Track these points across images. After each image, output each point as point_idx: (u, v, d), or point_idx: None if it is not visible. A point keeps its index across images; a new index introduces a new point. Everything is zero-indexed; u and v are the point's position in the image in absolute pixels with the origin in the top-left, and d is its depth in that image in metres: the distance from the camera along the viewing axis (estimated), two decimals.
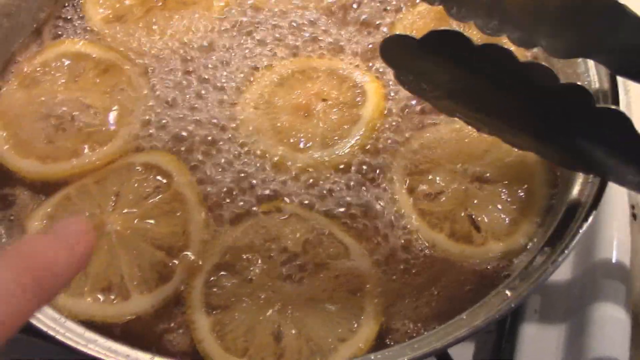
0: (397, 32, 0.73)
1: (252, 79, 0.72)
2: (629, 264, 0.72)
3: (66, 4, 0.79)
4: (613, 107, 0.51)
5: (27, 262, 0.37)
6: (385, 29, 0.76)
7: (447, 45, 0.50)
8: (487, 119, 0.57)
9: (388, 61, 0.54)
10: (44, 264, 0.38)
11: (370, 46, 0.74)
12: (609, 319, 0.67)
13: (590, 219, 0.56)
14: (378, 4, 0.78)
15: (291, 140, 0.68)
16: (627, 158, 0.53)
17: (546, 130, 0.54)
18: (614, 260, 0.71)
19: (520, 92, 0.51)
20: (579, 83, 0.49)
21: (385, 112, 0.70)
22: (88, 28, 0.77)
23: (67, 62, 0.74)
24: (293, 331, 0.58)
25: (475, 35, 0.60)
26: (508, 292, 0.54)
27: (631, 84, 0.66)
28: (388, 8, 0.78)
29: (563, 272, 0.73)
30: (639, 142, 0.51)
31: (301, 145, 0.67)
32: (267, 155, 0.67)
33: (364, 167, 0.67)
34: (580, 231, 0.56)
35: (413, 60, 0.52)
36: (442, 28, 0.49)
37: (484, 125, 0.58)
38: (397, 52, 0.52)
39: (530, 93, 0.51)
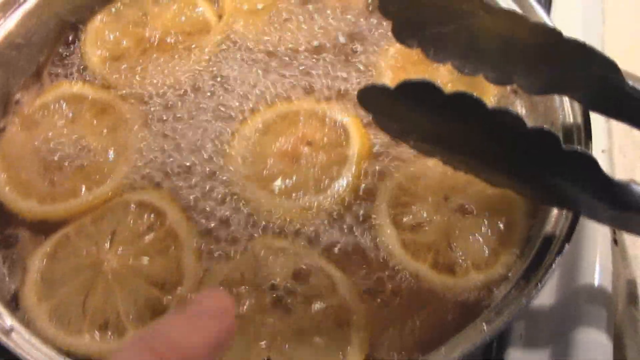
0: (375, 76, 0.76)
1: (239, 125, 0.75)
2: (611, 288, 0.74)
3: (65, 47, 0.82)
4: (579, 148, 0.53)
5: (159, 345, 0.36)
6: (361, 66, 0.78)
7: (420, 94, 0.52)
8: (463, 160, 0.59)
9: (366, 108, 0.57)
10: (177, 349, 0.37)
11: (347, 85, 0.77)
12: (592, 344, 0.69)
13: (564, 252, 0.59)
14: (350, 44, 0.81)
15: (282, 187, 0.70)
16: (595, 195, 0.55)
17: (518, 170, 0.57)
18: (596, 285, 0.73)
19: (491, 136, 0.54)
20: (545, 127, 0.52)
21: (369, 147, 0.73)
22: (86, 69, 0.80)
23: (65, 104, 0.77)
24: None
25: None
26: (484, 325, 0.56)
27: None
28: (358, 49, 0.80)
29: (547, 296, 0.75)
30: (605, 181, 0.54)
31: (292, 192, 0.70)
32: (257, 201, 0.69)
33: (352, 202, 0.70)
34: (553, 265, 0.58)
35: (389, 107, 0.55)
36: (415, 79, 0.52)
37: (461, 164, 0.61)
38: (373, 99, 0.55)
39: (500, 137, 0.54)
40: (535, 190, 0.59)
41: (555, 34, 0.60)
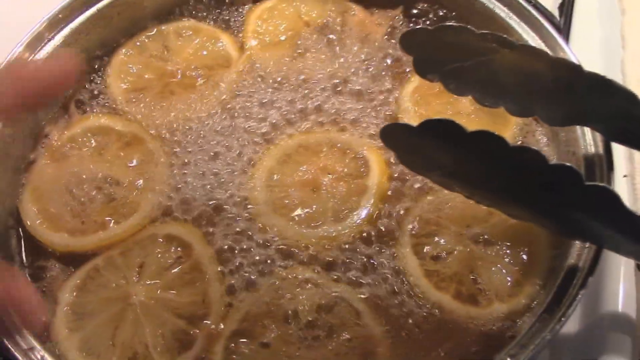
0: (397, 108, 0.77)
1: (262, 155, 0.76)
2: (635, 315, 0.74)
3: (91, 80, 0.84)
4: (601, 184, 0.54)
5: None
6: (382, 98, 0.80)
7: (442, 132, 0.53)
8: (485, 195, 0.60)
9: (388, 145, 0.58)
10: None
11: (367, 117, 0.78)
12: None
13: (587, 285, 0.59)
14: (371, 75, 0.82)
15: (302, 217, 0.72)
16: (619, 230, 0.56)
17: (540, 205, 0.57)
18: (619, 311, 0.73)
19: (513, 173, 0.55)
20: (567, 163, 0.52)
21: (389, 178, 0.74)
22: (111, 102, 0.82)
23: (92, 136, 0.79)
24: None
25: None
26: (509, 359, 0.57)
27: None
28: (379, 80, 0.82)
29: (571, 323, 0.75)
30: (628, 216, 0.54)
31: (313, 221, 0.71)
32: (281, 231, 0.71)
33: (373, 234, 0.71)
34: (577, 299, 0.58)
35: (412, 144, 0.56)
36: (437, 118, 0.53)
37: (483, 199, 0.61)
38: (396, 137, 0.56)
39: (522, 173, 0.54)
40: (558, 224, 0.59)
41: (575, 68, 0.61)
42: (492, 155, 0.53)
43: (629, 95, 0.61)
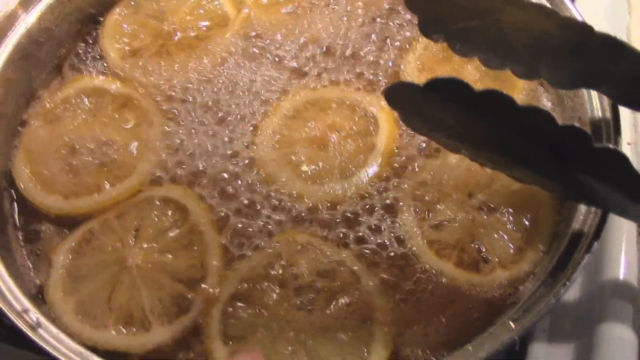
0: (402, 73, 0.75)
1: (265, 112, 0.74)
2: (637, 283, 0.73)
3: (85, 40, 0.82)
4: (611, 146, 0.52)
5: None
6: (386, 62, 0.78)
7: (448, 92, 0.52)
8: (490, 157, 0.59)
9: (394, 106, 0.56)
10: None
11: (373, 78, 0.76)
12: (617, 339, 0.68)
13: (593, 250, 0.58)
14: (375, 37, 0.80)
15: (308, 174, 0.70)
16: (626, 193, 0.54)
17: (547, 167, 0.56)
18: (621, 279, 0.72)
19: (521, 133, 0.53)
20: (576, 124, 0.51)
21: (398, 138, 0.72)
22: (105, 63, 0.80)
23: (86, 98, 0.77)
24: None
25: None
26: (512, 324, 0.56)
27: None
28: (383, 42, 0.80)
29: (571, 291, 0.74)
30: (636, 179, 0.53)
31: (318, 179, 0.69)
32: (283, 189, 0.69)
33: (377, 197, 0.69)
34: (582, 263, 0.57)
35: (417, 105, 0.54)
36: (444, 76, 0.51)
37: (488, 161, 0.60)
38: (401, 97, 0.55)
39: (530, 134, 0.53)
40: (565, 187, 0.58)
41: (585, 28, 0.59)
42: (500, 115, 0.52)
43: (639, 57, 0.59)
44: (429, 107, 0.54)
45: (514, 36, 0.62)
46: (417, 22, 0.63)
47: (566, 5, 0.72)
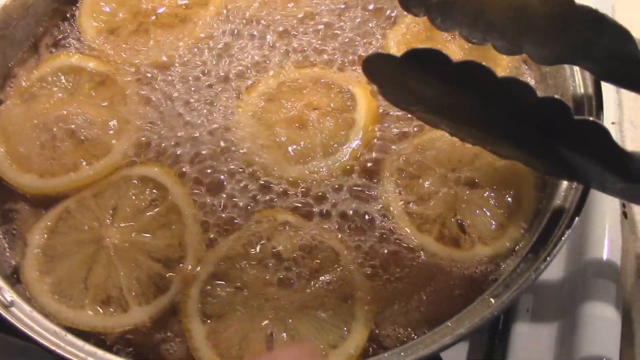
0: (390, 43, 0.74)
1: (245, 89, 0.73)
2: (620, 262, 0.73)
3: (62, 19, 0.81)
4: (591, 119, 0.52)
5: None
6: (367, 40, 0.77)
7: (427, 63, 0.51)
8: (470, 131, 0.58)
9: (372, 78, 0.55)
10: None
11: (353, 56, 0.76)
12: (600, 318, 0.68)
13: (573, 226, 0.58)
14: (355, 15, 0.79)
15: (290, 153, 0.69)
16: (606, 167, 0.54)
17: (528, 141, 0.55)
18: (604, 259, 0.72)
19: (501, 106, 0.52)
20: (556, 96, 0.50)
21: (376, 111, 0.71)
22: (83, 41, 0.79)
23: (63, 76, 0.75)
24: (286, 338, 0.60)
25: None
26: (492, 300, 0.56)
27: None
28: (364, 21, 0.79)
29: (555, 271, 0.74)
30: (617, 152, 0.52)
31: (301, 157, 0.69)
32: (265, 168, 0.68)
33: (358, 173, 0.69)
34: (563, 239, 0.57)
35: (396, 77, 0.53)
36: (422, 47, 0.50)
37: (468, 136, 0.59)
38: (379, 69, 0.54)
39: (510, 107, 0.52)
40: (545, 161, 0.58)
41: (566, 2, 0.58)
42: (479, 87, 0.51)
43: (622, 31, 0.58)
44: (407, 79, 0.53)
45: (495, 11, 0.61)
46: None
47: None
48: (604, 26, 0.58)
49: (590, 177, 0.57)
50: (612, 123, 0.84)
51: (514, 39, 0.63)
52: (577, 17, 0.59)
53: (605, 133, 0.51)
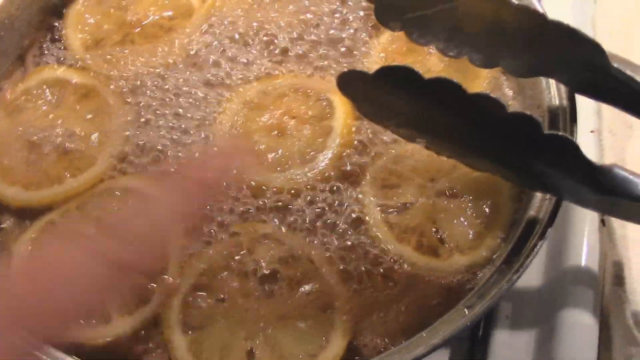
0: (366, 62, 0.76)
1: (226, 100, 0.74)
2: (598, 269, 0.74)
3: (48, 31, 0.82)
4: (560, 133, 0.53)
5: None
6: (349, 51, 0.78)
7: (398, 80, 0.52)
8: (445, 145, 0.59)
9: (346, 94, 0.57)
10: None
11: (334, 65, 0.77)
12: (578, 325, 0.69)
13: (546, 237, 0.59)
14: (338, 27, 0.80)
15: (268, 161, 0.70)
16: (578, 180, 0.55)
17: (501, 155, 0.57)
18: (583, 265, 0.73)
19: (472, 121, 0.54)
20: (526, 112, 0.51)
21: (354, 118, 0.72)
22: (68, 53, 0.80)
23: (48, 89, 0.76)
24: (266, 349, 0.61)
25: None
26: (466, 310, 0.57)
27: None
28: (346, 33, 0.80)
29: (534, 277, 0.75)
30: (587, 166, 0.53)
31: (279, 165, 0.70)
32: (244, 177, 0.69)
33: (336, 181, 0.70)
34: (535, 250, 0.58)
35: (369, 93, 0.54)
36: (394, 64, 0.51)
37: (443, 150, 0.60)
38: (353, 85, 0.55)
39: (481, 122, 0.53)
40: (518, 175, 0.59)
41: (539, 16, 0.59)
42: (451, 103, 0.52)
43: (594, 45, 0.60)
44: (380, 95, 0.54)
45: (470, 24, 0.62)
46: (373, 10, 0.63)
47: None
48: (576, 40, 0.60)
49: (563, 189, 0.58)
50: (592, 131, 0.85)
51: (489, 53, 0.64)
52: (549, 31, 0.60)
53: (575, 147, 0.53)
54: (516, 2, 0.60)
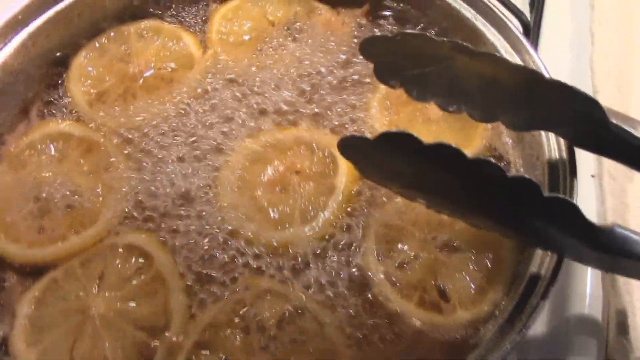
0: (366, 117, 0.76)
1: (227, 154, 0.75)
2: (601, 317, 0.74)
3: (51, 84, 0.82)
4: (560, 196, 0.53)
5: None
6: (350, 101, 0.79)
7: (399, 145, 0.52)
8: (445, 205, 0.59)
9: (348, 157, 0.57)
10: None
11: (336, 117, 0.77)
12: None
13: (549, 295, 0.59)
14: (337, 77, 0.81)
15: (270, 217, 0.70)
16: (579, 240, 0.55)
17: (502, 215, 0.57)
18: (586, 313, 0.73)
19: (473, 185, 0.54)
20: (526, 176, 0.51)
21: (356, 177, 0.73)
22: (71, 106, 0.80)
23: (52, 143, 0.77)
24: None
25: None
26: None
27: None
28: (345, 82, 0.81)
29: (538, 325, 0.75)
30: (588, 227, 0.54)
31: (280, 223, 0.70)
32: (246, 234, 0.69)
33: (339, 239, 0.70)
34: (538, 309, 0.58)
35: (370, 157, 0.55)
36: (394, 130, 0.52)
37: (444, 209, 0.61)
38: (354, 149, 0.55)
39: (481, 185, 0.54)
40: (520, 234, 0.59)
41: (536, 75, 0.60)
42: (451, 167, 0.53)
43: (592, 102, 0.60)
44: (381, 159, 0.55)
45: (468, 82, 0.63)
46: (373, 70, 0.64)
47: (525, 47, 0.73)
48: (573, 97, 0.60)
49: (564, 248, 0.59)
50: (592, 176, 0.85)
51: (487, 109, 0.65)
52: (547, 88, 0.61)
53: (575, 209, 0.53)
54: (512, 62, 0.60)
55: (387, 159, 0.55)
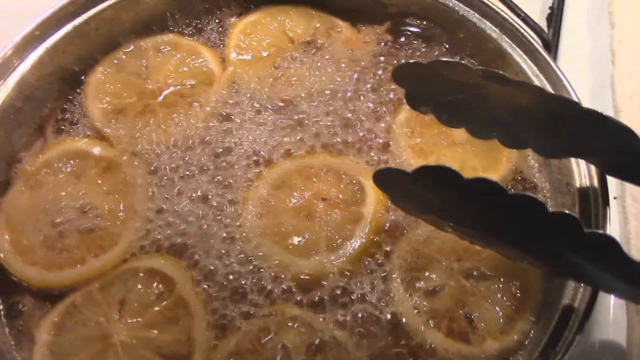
0: (389, 139, 0.75)
1: (252, 176, 0.73)
2: (625, 343, 0.73)
3: (68, 100, 0.81)
4: (601, 232, 0.52)
5: None
6: (371, 121, 0.78)
7: (437, 179, 0.51)
8: (479, 237, 0.58)
9: (383, 189, 0.56)
10: None
11: (364, 141, 0.76)
12: None
13: (583, 331, 0.58)
14: (359, 94, 0.80)
15: (295, 244, 0.69)
16: (615, 275, 0.54)
17: (537, 249, 0.56)
18: (610, 339, 0.73)
19: (512, 219, 0.53)
20: (567, 212, 0.50)
21: (384, 207, 0.71)
22: (89, 124, 0.79)
23: (69, 161, 0.75)
24: None
25: None
26: None
27: None
28: (367, 100, 0.79)
29: None
30: (625, 262, 0.53)
31: (305, 251, 0.68)
32: (270, 261, 0.68)
33: (365, 268, 0.68)
34: (573, 345, 0.57)
35: (406, 189, 0.54)
36: (433, 164, 0.51)
37: (477, 240, 0.59)
38: (390, 182, 0.54)
39: (521, 220, 0.53)
40: (554, 266, 0.58)
41: (571, 104, 0.59)
42: (490, 202, 0.51)
43: (626, 130, 0.59)
44: (418, 192, 0.53)
45: (499, 109, 0.62)
46: (404, 95, 0.62)
47: (553, 69, 0.72)
48: (607, 126, 0.59)
49: (597, 281, 0.58)
50: (614, 198, 0.85)
51: (518, 136, 0.64)
52: (580, 116, 0.60)
53: (614, 244, 0.52)
54: (545, 91, 0.59)
55: (424, 191, 0.53)
